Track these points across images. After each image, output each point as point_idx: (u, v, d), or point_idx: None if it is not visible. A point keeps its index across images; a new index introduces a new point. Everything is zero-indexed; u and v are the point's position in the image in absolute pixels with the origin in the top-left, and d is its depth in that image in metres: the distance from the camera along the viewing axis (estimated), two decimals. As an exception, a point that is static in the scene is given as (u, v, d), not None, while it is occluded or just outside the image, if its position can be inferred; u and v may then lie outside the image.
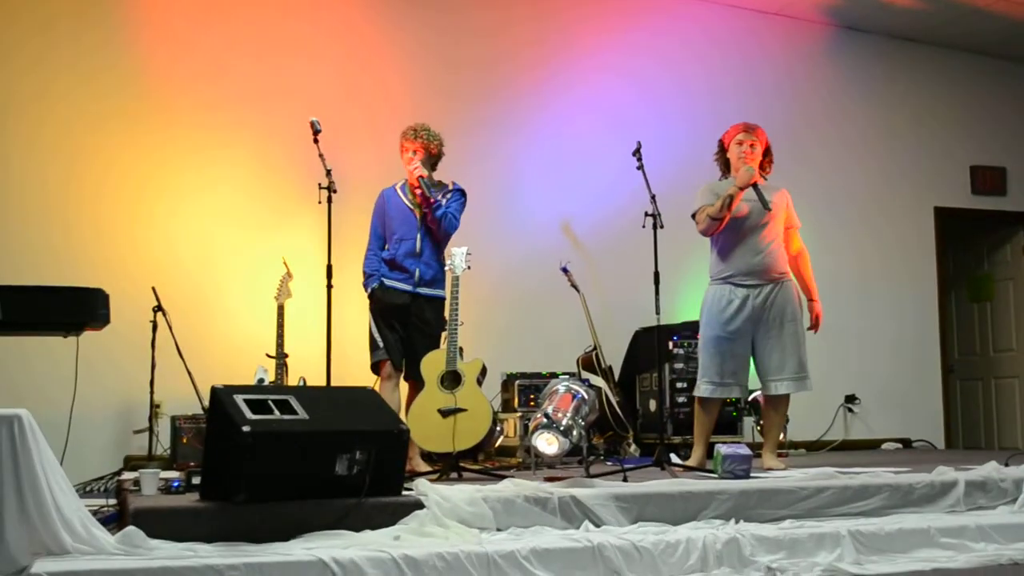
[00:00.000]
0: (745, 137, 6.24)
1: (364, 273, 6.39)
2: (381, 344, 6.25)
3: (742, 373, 6.15)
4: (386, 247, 6.38)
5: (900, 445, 9.49)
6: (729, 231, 6.20)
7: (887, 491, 4.94)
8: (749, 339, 6.13)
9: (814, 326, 6.32)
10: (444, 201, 6.30)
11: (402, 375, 6.28)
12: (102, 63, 7.86)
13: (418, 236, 6.31)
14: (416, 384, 6.21)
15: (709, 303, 6.22)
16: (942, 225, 10.21)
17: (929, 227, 10.15)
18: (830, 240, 9.53)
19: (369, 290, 6.32)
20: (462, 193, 6.46)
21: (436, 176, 6.48)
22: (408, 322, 6.27)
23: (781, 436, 7.62)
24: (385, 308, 6.25)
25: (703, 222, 6.18)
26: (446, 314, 6.25)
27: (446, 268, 6.25)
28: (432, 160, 6.45)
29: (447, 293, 6.24)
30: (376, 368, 6.27)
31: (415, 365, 6.14)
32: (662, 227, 6.18)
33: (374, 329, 6.29)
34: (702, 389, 6.18)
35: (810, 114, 9.83)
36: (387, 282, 6.28)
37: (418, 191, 6.28)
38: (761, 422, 7.75)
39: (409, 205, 6.37)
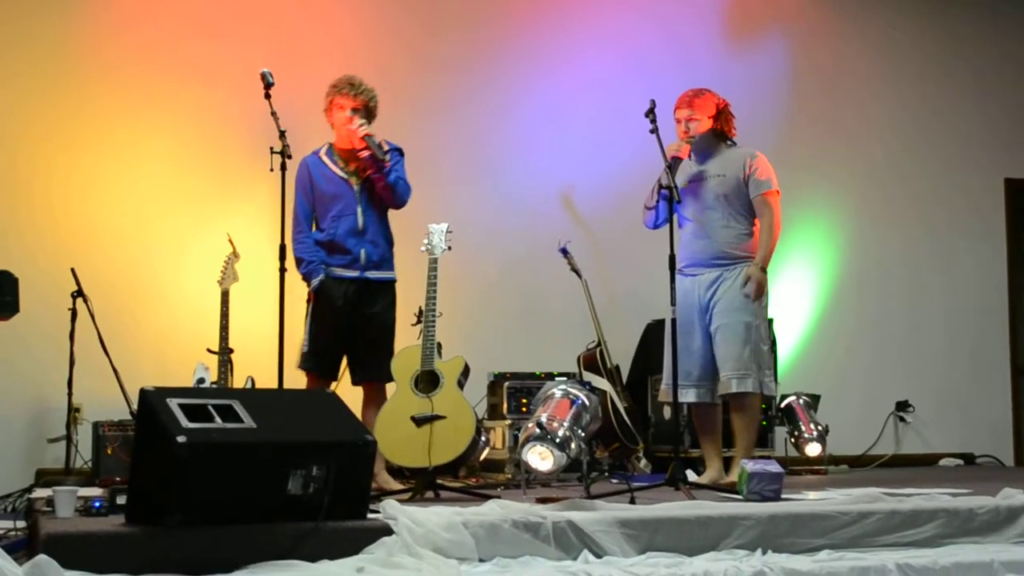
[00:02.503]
0: (681, 114, 6.51)
1: (297, 260, 6.36)
2: (307, 348, 6.29)
3: (702, 374, 6.44)
4: (316, 228, 6.39)
5: (961, 461, 9.52)
6: (679, 216, 6.45)
7: (943, 517, 4.95)
8: (704, 334, 6.42)
9: (747, 292, 6.37)
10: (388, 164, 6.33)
11: (337, 382, 6.32)
12: (23, 34, 7.87)
13: (359, 210, 6.31)
14: (374, 387, 6.21)
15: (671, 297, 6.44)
16: (1014, 199, 10.22)
17: (998, 201, 10.16)
18: (876, 219, 9.55)
19: (315, 284, 6.30)
20: (401, 153, 6.50)
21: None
22: (357, 316, 6.29)
23: (819, 449, 7.69)
24: (329, 304, 6.25)
25: (642, 212, 6.60)
26: (417, 304, 6.27)
27: (421, 249, 6.25)
28: (371, 119, 6.44)
29: (428, 278, 6.23)
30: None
31: (372, 366, 6.15)
32: (679, 202, 6.21)
33: (307, 329, 6.32)
34: (660, 391, 6.66)
35: (857, 66, 9.82)
36: (332, 271, 6.31)
37: (364, 153, 6.26)
38: (795, 433, 7.82)
39: (341, 174, 6.36)
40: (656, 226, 6.57)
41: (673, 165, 6.29)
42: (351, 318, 6.33)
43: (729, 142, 6.57)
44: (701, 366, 6.42)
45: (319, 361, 6.33)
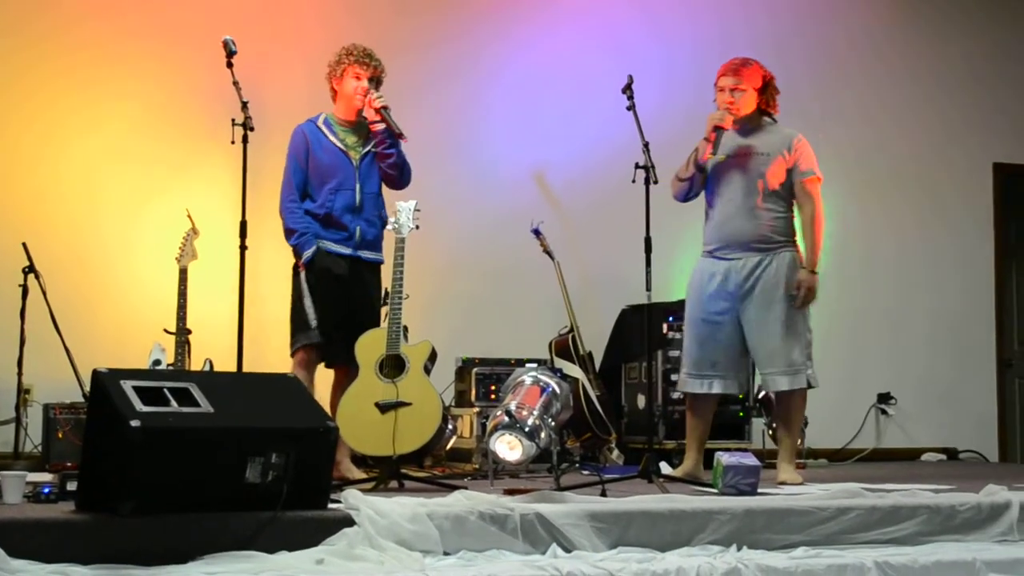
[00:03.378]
0: (726, 82, 6.33)
1: (288, 231, 6.32)
2: (314, 324, 6.22)
3: (728, 364, 6.27)
4: (307, 198, 6.35)
5: (944, 456, 9.58)
6: (709, 193, 6.38)
7: (924, 514, 4.98)
8: (735, 323, 6.25)
9: (797, 300, 6.23)
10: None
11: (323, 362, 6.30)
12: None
13: (357, 186, 6.31)
14: (346, 371, 6.21)
15: (692, 280, 6.41)
16: (1003, 185, 10.27)
17: (986, 188, 10.21)
18: (861, 204, 9.57)
19: (308, 255, 6.26)
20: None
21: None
22: (350, 295, 6.28)
23: (799, 442, 7.69)
24: (325, 279, 6.23)
25: (672, 183, 6.39)
26: (383, 285, 6.27)
27: (388, 228, 6.24)
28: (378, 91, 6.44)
29: (395, 257, 6.22)
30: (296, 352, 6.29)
31: (350, 350, 6.15)
32: (656, 182, 6.18)
33: (308, 305, 6.25)
34: (679, 380, 6.40)
35: (839, 50, 9.85)
36: (322, 245, 6.27)
37: (379, 126, 6.26)
38: (772, 425, 7.83)
39: (341, 146, 6.35)
40: (686, 199, 6.43)
41: (717, 136, 6.14)
42: (346, 300, 6.28)
43: (771, 119, 6.39)
44: (727, 356, 6.25)
45: (323, 340, 6.23)
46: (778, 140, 6.31)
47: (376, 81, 6.39)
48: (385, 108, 6.26)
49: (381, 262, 6.42)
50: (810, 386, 6.27)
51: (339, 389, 6.25)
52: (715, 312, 6.24)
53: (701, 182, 6.35)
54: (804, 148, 6.32)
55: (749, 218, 6.24)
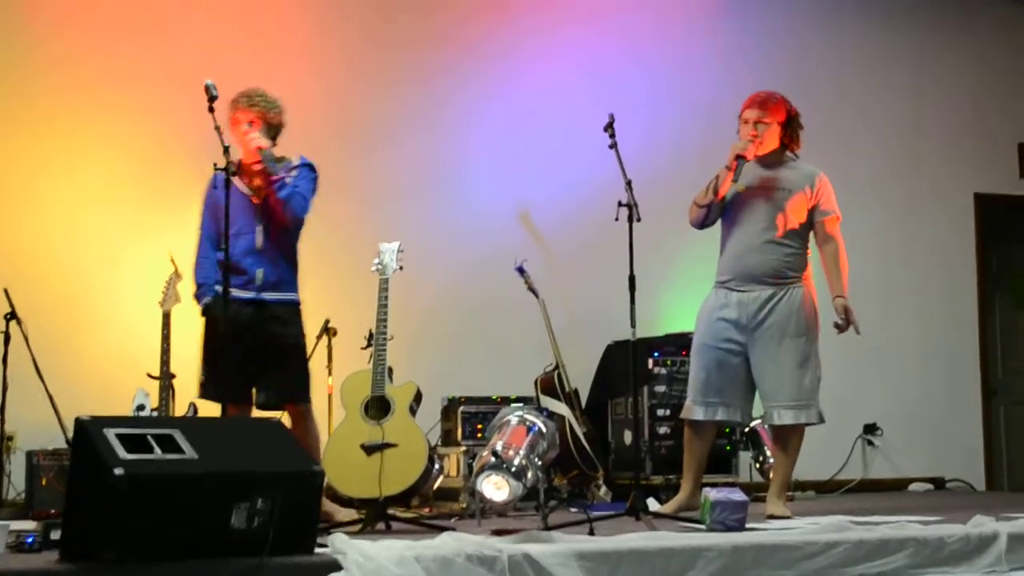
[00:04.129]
0: (751, 114, 6.33)
1: (196, 284, 6.34)
2: (203, 376, 6.21)
3: (733, 393, 6.25)
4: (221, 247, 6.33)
5: (931, 486, 9.58)
6: (726, 224, 6.37)
7: (912, 546, 4.96)
8: (742, 353, 6.23)
9: (840, 325, 6.29)
10: (290, 179, 6.24)
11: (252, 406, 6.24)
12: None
13: (258, 229, 6.23)
14: (293, 411, 6.14)
15: (702, 309, 6.39)
16: (984, 215, 10.31)
17: (968, 218, 10.25)
18: (846, 234, 9.55)
19: (201, 306, 6.26)
20: (311, 168, 6.36)
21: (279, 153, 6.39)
22: (256, 339, 6.15)
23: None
24: (218, 327, 6.08)
25: (690, 209, 6.36)
26: (367, 327, 6.24)
27: (372, 269, 6.22)
28: (272, 132, 6.34)
29: (379, 298, 6.19)
30: None
31: (278, 387, 6.09)
32: (639, 220, 6.18)
33: (202, 356, 6.24)
34: (684, 408, 6.37)
35: (824, 81, 9.88)
36: (222, 291, 6.21)
37: (257, 167, 6.18)
38: (760, 459, 7.83)
39: (244, 191, 6.28)
40: (704, 226, 6.40)
41: (739, 165, 6.14)
42: (249, 341, 6.12)
43: (792, 156, 6.40)
44: (734, 385, 6.23)
45: (216, 388, 6.12)
46: (800, 177, 6.31)
47: (265, 122, 6.26)
48: (260, 149, 6.13)
49: (293, 302, 6.29)
50: (822, 420, 6.26)
51: (294, 430, 6.09)
52: (724, 341, 6.22)
53: (719, 210, 6.32)
54: (825, 187, 6.34)
55: (765, 252, 6.23)
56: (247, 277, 6.19)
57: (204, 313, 6.27)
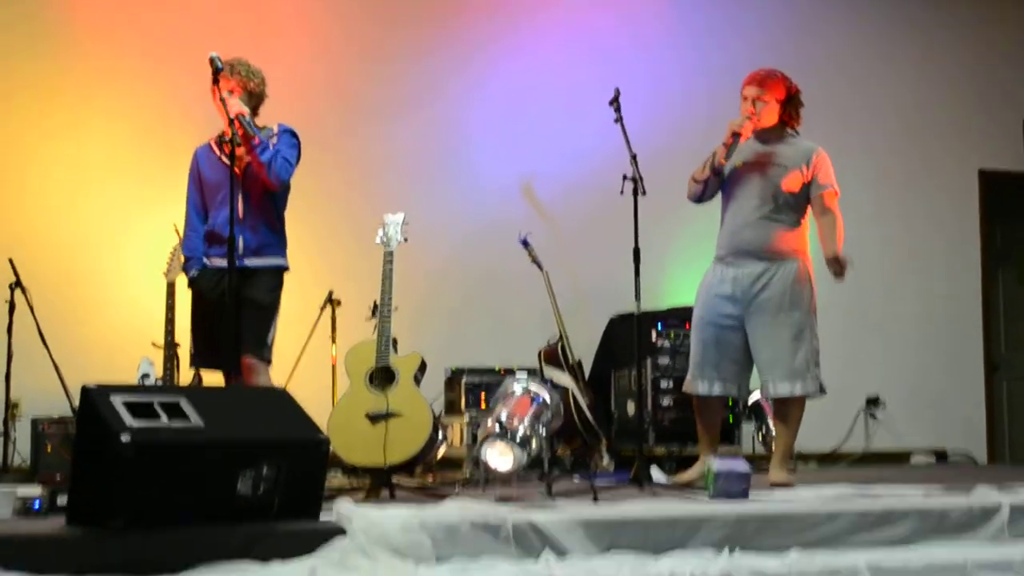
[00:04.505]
0: (750, 91, 6.33)
1: (183, 257, 6.36)
2: (192, 346, 6.24)
3: (730, 367, 6.29)
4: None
5: (933, 458, 9.59)
6: (724, 199, 6.40)
7: (915, 517, 4.98)
8: (739, 328, 6.26)
9: (836, 275, 6.29)
10: (272, 144, 6.23)
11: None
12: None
13: (240, 196, 6.16)
14: (247, 365, 6.05)
15: (702, 284, 6.41)
16: (988, 191, 10.30)
17: (972, 194, 10.24)
18: (848, 210, 9.54)
19: (188, 277, 6.28)
20: (293, 134, 6.32)
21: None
22: (238, 308, 6.02)
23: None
24: (206, 299, 6.16)
25: (688, 184, 6.38)
26: (372, 298, 6.24)
27: (377, 240, 6.23)
28: (253, 102, 6.32)
29: (383, 270, 6.20)
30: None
31: (240, 343, 6.01)
32: (644, 193, 6.20)
33: (191, 326, 6.27)
34: (685, 382, 6.43)
35: (826, 57, 9.86)
36: (208, 263, 6.22)
37: (239, 132, 6.08)
38: (763, 430, 7.85)
39: (226, 160, 6.26)
40: (700, 200, 6.42)
41: (734, 141, 6.17)
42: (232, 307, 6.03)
43: (792, 132, 6.41)
44: (731, 359, 6.27)
45: (206, 357, 6.20)
46: (798, 153, 6.32)
47: (246, 92, 6.23)
48: (240, 115, 6.03)
49: (277, 267, 6.25)
50: (823, 391, 6.29)
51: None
52: (722, 316, 6.26)
53: (716, 186, 6.36)
54: (823, 162, 6.34)
55: (760, 227, 6.26)
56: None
57: (191, 285, 6.29)
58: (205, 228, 6.27)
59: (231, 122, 5.90)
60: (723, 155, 6.22)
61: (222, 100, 6.02)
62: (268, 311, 6.19)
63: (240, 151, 6.09)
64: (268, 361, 6.15)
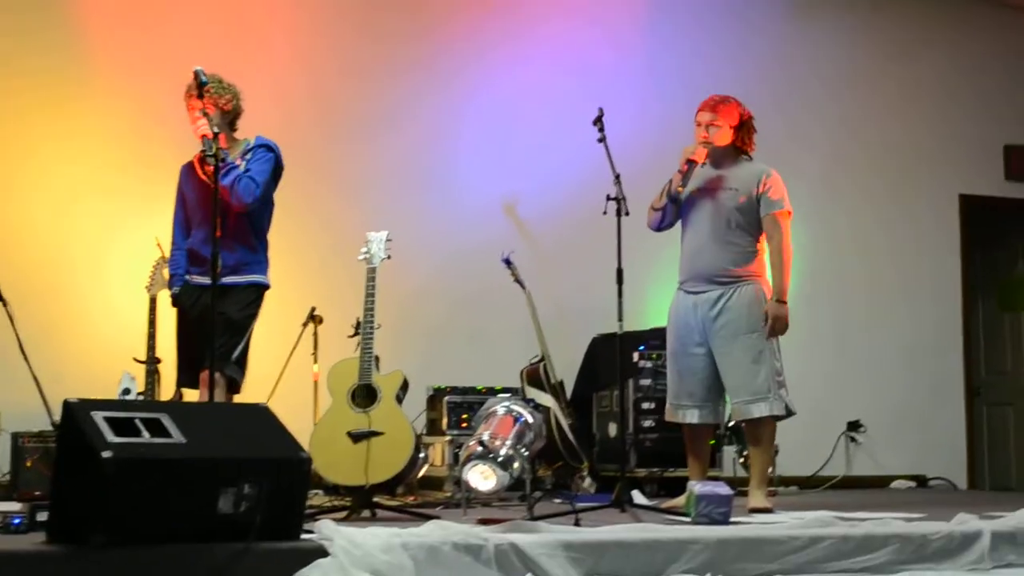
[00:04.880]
0: (703, 117, 6.43)
1: (168, 274, 6.42)
2: (177, 365, 6.29)
3: (702, 394, 6.36)
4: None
5: (914, 483, 9.61)
6: (683, 225, 6.50)
7: (896, 543, 4.97)
8: (707, 355, 6.33)
9: (767, 330, 6.29)
10: (243, 163, 6.19)
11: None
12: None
13: (219, 215, 6.19)
14: (206, 378, 6.02)
15: (669, 313, 6.55)
16: (969, 217, 10.34)
17: (953, 219, 10.28)
18: (831, 234, 9.62)
19: (172, 294, 6.32)
20: (269, 149, 6.32)
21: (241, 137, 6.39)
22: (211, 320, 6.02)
23: (770, 470, 7.68)
24: (186, 317, 6.21)
25: (647, 212, 6.51)
26: (355, 315, 6.23)
27: (359, 258, 6.22)
28: (228, 118, 6.31)
29: (366, 287, 6.19)
30: None
31: (206, 356, 5.94)
32: (627, 214, 6.22)
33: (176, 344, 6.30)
34: (666, 411, 6.54)
35: (809, 80, 9.91)
36: (191, 280, 6.27)
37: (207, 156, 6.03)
38: (744, 453, 7.85)
39: (206, 179, 6.25)
40: (660, 228, 6.53)
41: (689, 168, 6.25)
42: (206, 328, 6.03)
43: (745, 156, 6.48)
44: (704, 387, 6.34)
45: (190, 375, 6.23)
46: (749, 175, 6.40)
47: (217, 109, 6.20)
48: (204, 137, 5.98)
49: (255, 284, 6.27)
50: (789, 413, 6.34)
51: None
52: (690, 344, 6.35)
53: (674, 213, 6.46)
54: (774, 182, 6.39)
55: (715, 251, 6.34)
56: (208, 265, 6.17)
57: (174, 302, 6.31)
58: (189, 245, 6.27)
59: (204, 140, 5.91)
60: (679, 182, 6.31)
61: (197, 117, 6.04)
62: (237, 327, 6.18)
63: (211, 170, 6.09)
64: (234, 380, 6.14)
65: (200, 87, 5.96)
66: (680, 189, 6.32)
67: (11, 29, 7.94)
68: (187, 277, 6.27)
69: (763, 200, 6.35)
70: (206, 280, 6.12)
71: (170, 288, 6.33)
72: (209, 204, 6.05)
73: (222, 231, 6.12)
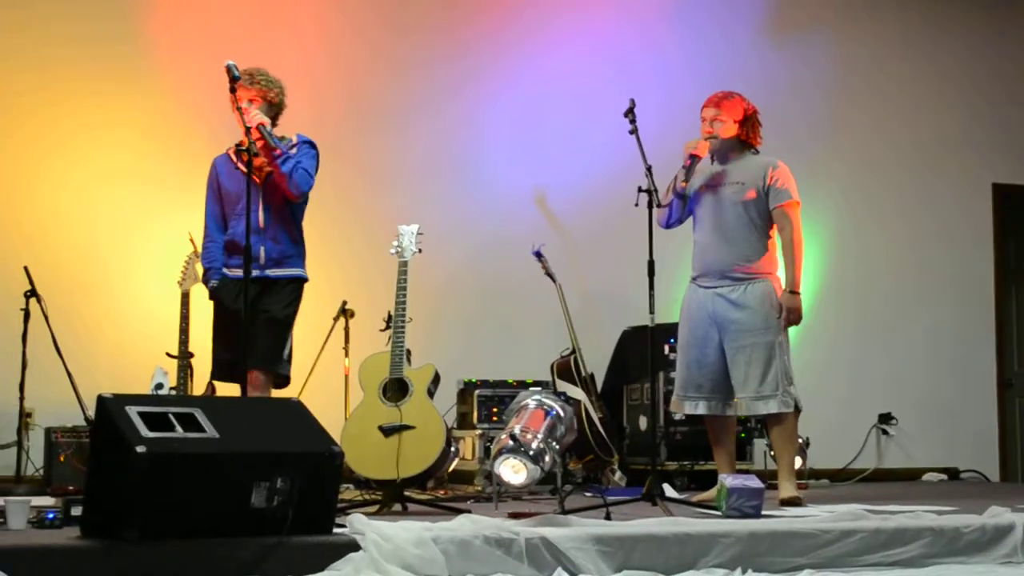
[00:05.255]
0: (707, 112, 6.44)
1: (203, 267, 6.39)
2: (213, 358, 6.27)
3: (713, 386, 6.35)
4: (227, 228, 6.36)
5: (945, 476, 9.58)
6: (694, 221, 6.51)
7: (928, 536, 4.97)
8: (717, 347, 6.32)
9: (782, 321, 6.30)
10: (292, 155, 6.25)
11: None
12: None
13: (260, 207, 6.23)
14: (253, 379, 6.06)
15: (682, 305, 6.55)
16: (1002, 206, 10.29)
17: (986, 208, 10.23)
18: (859, 225, 9.60)
19: (209, 288, 6.31)
20: (312, 146, 6.37)
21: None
22: (254, 318, 6.11)
23: (799, 463, 7.68)
24: (226, 309, 6.20)
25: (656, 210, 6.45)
26: (387, 308, 6.25)
27: (391, 252, 6.24)
28: (272, 112, 6.34)
29: (398, 281, 6.21)
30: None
31: (251, 354, 5.99)
32: (659, 205, 6.21)
33: (213, 337, 6.29)
34: (671, 401, 6.61)
35: (837, 70, 9.88)
36: (228, 273, 6.25)
37: (258, 144, 6.13)
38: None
39: (244, 170, 6.29)
40: (669, 225, 6.54)
41: (691, 163, 6.27)
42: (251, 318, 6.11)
43: (752, 150, 6.47)
44: (713, 379, 6.32)
45: (227, 370, 6.22)
46: (755, 168, 6.39)
47: (265, 102, 6.26)
48: (260, 125, 6.10)
49: (296, 277, 6.30)
50: (798, 409, 6.36)
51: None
52: (700, 337, 6.35)
53: (682, 209, 6.47)
54: (781, 174, 6.38)
55: (724, 246, 6.34)
56: (249, 257, 6.21)
57: (211, 296, 6.31)
58: (225, 238, 6.29)
59: (248, 131, 5.94)
60: (683, 177, 6.32)
61: (239, 110, 6.05)
62: (282, 325, 6.23)
63: (259, 161, 6.12)
64: (283, 376, 6.20)
65: (233, 81, 5.99)
66: (684, 184, 6.33)
67: (35, 19, 7.95)
68: (225, 270, 6.29)
69: (771, 192, 6.34)
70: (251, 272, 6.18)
71: (206, 282, 6.33)
72: (253, 195, 6.09)
73: (266, 223, 6.19)
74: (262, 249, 6.17)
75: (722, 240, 6.34)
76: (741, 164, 6.41)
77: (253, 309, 6.09)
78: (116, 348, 7.64)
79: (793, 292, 6.28)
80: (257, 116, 6.14)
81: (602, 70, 9.08)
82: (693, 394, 6.36)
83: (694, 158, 6.30)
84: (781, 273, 6.38)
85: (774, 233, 6.40)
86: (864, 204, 9.72)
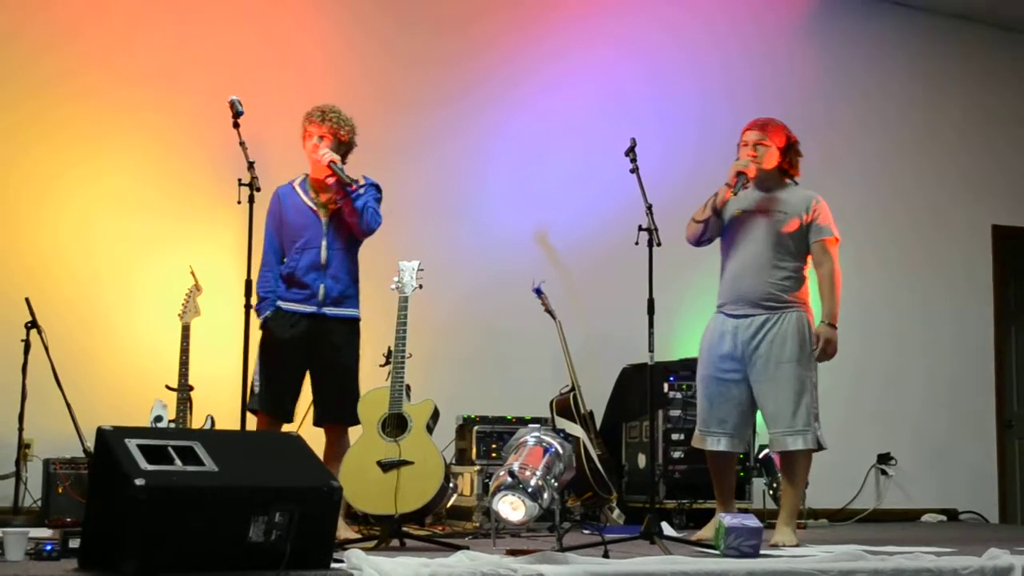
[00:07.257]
0: (751, 136, 6.39)
1: (258, 296, 6.37)
2: (258, 388, 6.26)
3: (735, 421, 6.27)
4: (284, 260, 6.40)
5: (944, 517, 9.58)
6: (724, 247, 6.43)
7: (927, 577, 4.98)
8: (743, 381, 6.25)
9: (817, 353, 6.25)
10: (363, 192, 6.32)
11: (290, 423, 6.28)
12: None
13: (324, 243, 6.30)
14: (335, 430, 6.22)
15: (704, 336, 6.42)
16: (1002, 247, 10.31)
17: (985, 249, 10.27)
18: (861, 265, 9.60)
19: (262, 318, 6.32)
20: (377, 188, 6.47)
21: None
22: (313, 354, 6.27)
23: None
24: (278, 341, 6.24)
25: (688, 225, 6.43)
26: (386, 344, 6.26)
27: (391, 287, 6.27)
28: (342, 149, 6.42)
29: (398, 317, 6.23)
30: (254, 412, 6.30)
31: (332, 408, 6.17)
32: (659, 244, 6.19)
33: (257, 367, 6.29)
34: (694, 437, 6.44)
35: (840, 108, 9.93)
36: (283, 306, 6.28)
37: (330, 180, 6.24)
38: (773, 485, 7.84)
39: (311, 205, 6.35)
40: (699, 243, 6.46)
41: (738, 181, 6.19)
42: (306, 357, 6.28)
43: (792, 181, 6.43)
44: (737, 414, 6.26)
45: (270, 401, 6.26)
46: (797, 201, 6.34)
47: (336, 139, 6.36)
48: (332, 163, 6.23)
49: (353, 318, 6.38)
50: (820, 447, 6.23)
51: (328, 449, 6.27)
52: (724, 370, 6.25)
53: (716, 228, 6.38)
54: (822, 209, 6.34)
55: (760, 275, 6.25)
56: (309, 292, 6.28)
57: (263, 326, 6.32)
58: (285, 270, 6.30)
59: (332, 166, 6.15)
60: (727, 194, 6.25)
61: (309, 141, 6.27)
62: (354, 373, 6.34)
63: (325, 197, 6.19)
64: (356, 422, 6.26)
65: (236, 116, 6.05)
66: (728, 197, 6.25)
67: (39, 48, 7.90)
68: (279, 302, 6.30)
69: (812, 227, 6.29)
70: (307, 308, 6.27)
71: (259, 312, 6.30)
72: (316, 230, 6.25)
73: (329, 259, 6.25)
74: (322, 287, 6.25)
75: (759, 268, 6.25)
76: (784, 194, 6.36)
77: (312, 350, 6.21)
78: (116, 380, 7.63)
79: (832, 325, 6.22)
80: (328, 154, 6.23)
81: (604, 108, 9.12)
82: (716, 429, 6.25)
83: (741, 175, 6.22)
84: (812, 305, 6.33)
85: (808, 266, 6.34)
86: (864, 242, 9.73)
